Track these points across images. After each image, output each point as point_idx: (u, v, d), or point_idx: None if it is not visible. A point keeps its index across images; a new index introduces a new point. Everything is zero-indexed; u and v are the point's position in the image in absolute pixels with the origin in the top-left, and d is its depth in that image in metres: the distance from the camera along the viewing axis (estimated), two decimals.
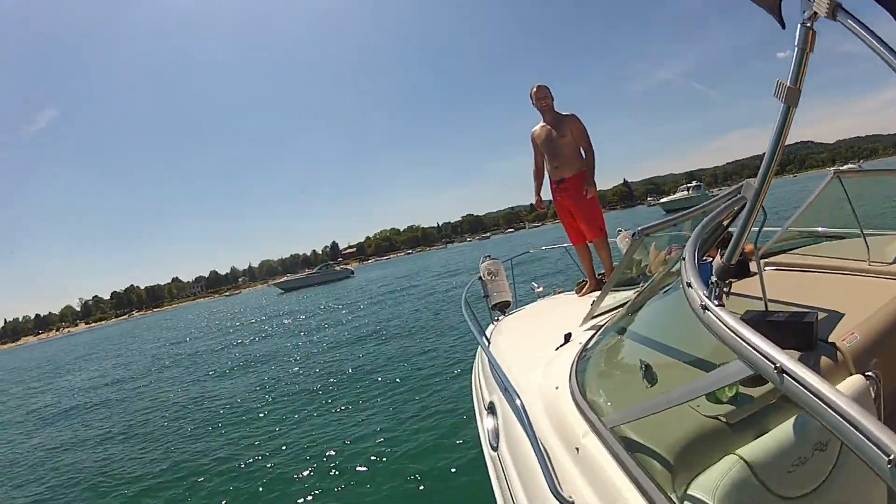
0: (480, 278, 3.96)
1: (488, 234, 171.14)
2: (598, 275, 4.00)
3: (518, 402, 1.74)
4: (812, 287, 1.95)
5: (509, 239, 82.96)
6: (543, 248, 5.93)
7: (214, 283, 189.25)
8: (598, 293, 2.58)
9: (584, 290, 3.93)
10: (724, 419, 1.20)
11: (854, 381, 1.28)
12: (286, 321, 21.26)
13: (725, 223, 1.76)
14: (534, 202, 4.34)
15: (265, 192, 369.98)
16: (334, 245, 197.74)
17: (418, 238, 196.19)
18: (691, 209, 1.87)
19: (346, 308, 21.19)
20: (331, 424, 6.19)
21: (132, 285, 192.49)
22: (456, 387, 6.50)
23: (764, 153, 1.25)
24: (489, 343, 3.02)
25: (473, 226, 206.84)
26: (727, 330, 0.97)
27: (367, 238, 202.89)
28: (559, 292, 4.36)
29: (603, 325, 2.22)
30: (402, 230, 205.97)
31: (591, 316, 2.47)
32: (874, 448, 0.65)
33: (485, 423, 2.37)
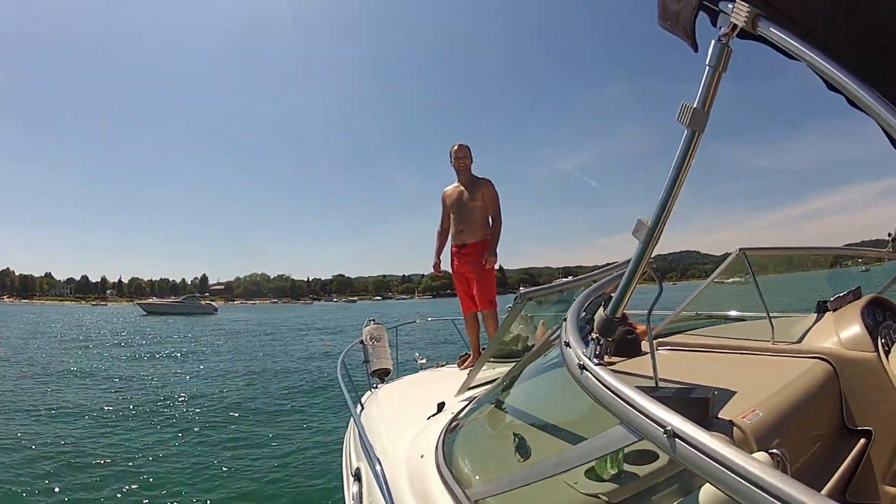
0: (362, 342, 3.79)
1: (355, 298, 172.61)
2: (483, 348, 3.86)
3: (378, 468, 1.66)
4: (710, 367, 1.82)
5: (376, 306, 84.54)
6: (430, 318, 5.83)
7: (84, 289, 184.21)
8: None
9: (466, 364, 3.83)
10: (604, 498, 1.12)
11: (758, 459, 1.23)
12: (150, 347, 19.72)
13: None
14: (432, 265, 4.27)
15: (155, 202, 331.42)
16: (204, 278, 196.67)
17: (286, 289, 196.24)
18: (580, 277, 1.86)
19: (207, 346, 20.19)
20: (182, 476, 5.34)
21: (8, 268, 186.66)
22: (322, 456, 6.03)
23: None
24: (363, 409, 2.93)
25: (343, 287, 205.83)
26: (607, 391, 0.87)
27: (238, 278, 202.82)
28: (442, 365, 4.25)
29: (476, 397, 2.17)
30: (272, 277, 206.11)
31: (466, 386, 2.44)
32: None
33: (350, 490, 2.25)
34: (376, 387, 3.51)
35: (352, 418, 2.91)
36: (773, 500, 0.59)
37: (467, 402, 2.16)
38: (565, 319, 1.19)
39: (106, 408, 8.07)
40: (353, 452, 2.54)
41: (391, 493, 1.51)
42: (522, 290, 1.89)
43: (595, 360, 1.00)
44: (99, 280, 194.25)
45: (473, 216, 3.95)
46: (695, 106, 0.92)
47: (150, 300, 72.73)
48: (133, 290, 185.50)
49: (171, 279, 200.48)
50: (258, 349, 17.88)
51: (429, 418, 2.18)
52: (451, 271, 4.19)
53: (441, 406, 2.26)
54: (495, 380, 2.28)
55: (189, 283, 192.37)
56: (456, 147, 4.06)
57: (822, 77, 0.80)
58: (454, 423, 1.87)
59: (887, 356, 1.59)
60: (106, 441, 6.31)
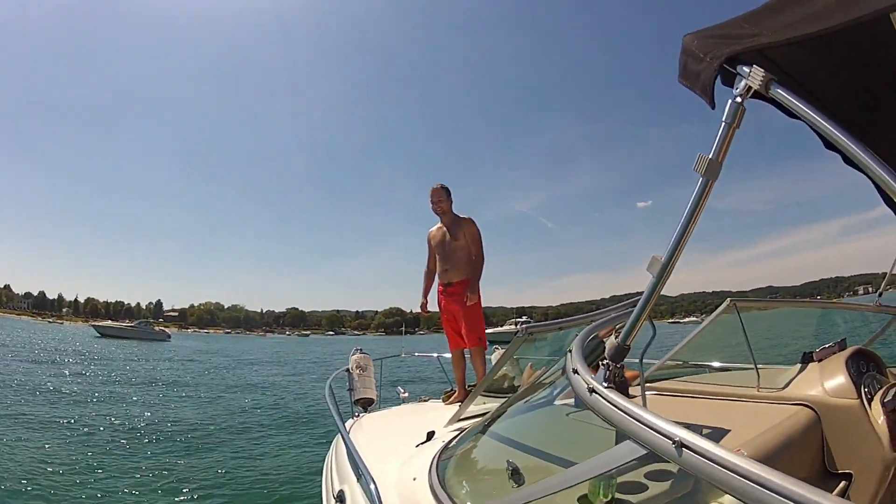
0: (348, 370, 3.80)
1: (308, 332, 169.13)
2: (469, 386, 3.96)
3: (372, 486, 1.67)
4: (697, 411, 1.89)
5: (329, 341, 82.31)
6: (416, 354, 5.80)
7: (41, 305, 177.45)
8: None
9: (451, 399, 3.87)
10: None
11: None
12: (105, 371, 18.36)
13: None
14: (420, 304, 4.34)
15: (115, 222, 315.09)
16: (159, 304, 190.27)
17: (240, 319, 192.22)
18: (581, 315, 1.89)
19: (162, 371, 19.63)
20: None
21: None
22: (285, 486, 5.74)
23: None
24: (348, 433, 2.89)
25: (296, 320, 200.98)
26: (616, 411, 0.92)
27: (192, 306, 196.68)
28: (425, 399, 4.26)
29: (469, 428, 2.22)
30: (226, 307, 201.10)
31: (457, 417, 2.49)
32: None
33: None
34: (359, 415, 3.50)
35: (335, 442, 2.91)
36: (782, 499, 0.63)
37: (458, 432, 2.20)
38: (570, 351, 1.25)
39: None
40: (335, 475, 2.52)
41: None
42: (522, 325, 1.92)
43: (605, 384, 1.04)
44: (56, 297, 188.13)
45: (457, 255, 4.06)
46: (710, 157, 1.01)
47: (104, 322, 70.39)
48: (88, 310, 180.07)
49: (126, 302, 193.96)
50: (215, 380, 17.14)
51: (417, 446, 2.20)
52: (438, 310, 4.24)
53: (431, 434, 2.29)
54: (485, 413, 2.33)
55: (144, 307, 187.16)
56: (431, 191, 4.16)
57: (821, 137, 0.89)
58: (447, 450, 1.90)
59: (870, 404, 1.65)
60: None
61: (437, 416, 2.75)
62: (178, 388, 14.36)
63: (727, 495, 1.08)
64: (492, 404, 2.47)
